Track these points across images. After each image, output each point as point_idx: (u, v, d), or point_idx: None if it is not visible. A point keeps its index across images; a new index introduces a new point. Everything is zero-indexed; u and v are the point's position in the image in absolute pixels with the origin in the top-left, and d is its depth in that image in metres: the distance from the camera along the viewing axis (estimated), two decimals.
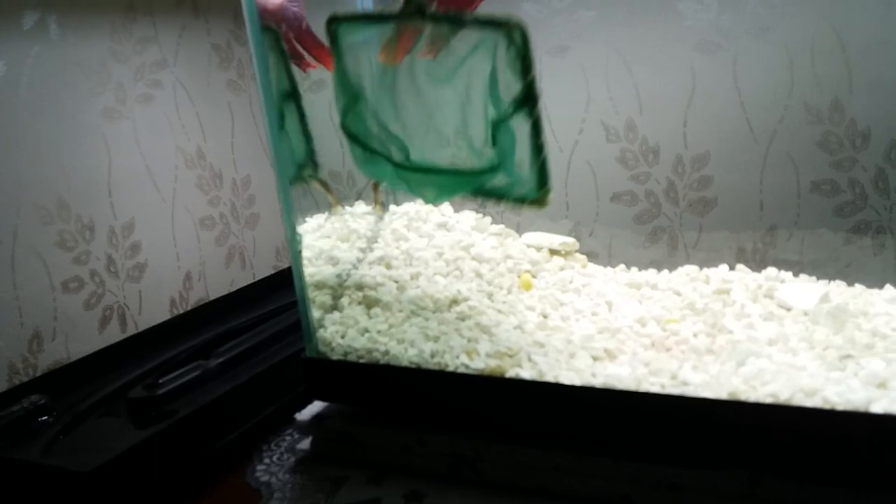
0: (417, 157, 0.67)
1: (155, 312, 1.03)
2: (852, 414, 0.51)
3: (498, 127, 0.60)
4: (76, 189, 0.92)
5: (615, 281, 0.75)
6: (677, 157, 0.97)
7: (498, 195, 0.64)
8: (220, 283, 1.14)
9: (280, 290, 1.07)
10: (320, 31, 0.72)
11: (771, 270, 0.72)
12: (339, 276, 0.73)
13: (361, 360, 0.67)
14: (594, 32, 0.97)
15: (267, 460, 0.72)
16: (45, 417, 0.74)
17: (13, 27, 0.85)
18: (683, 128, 0.95)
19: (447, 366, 0.64)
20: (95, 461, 0.63)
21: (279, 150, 0.69)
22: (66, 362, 0.89)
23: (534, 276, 0.75)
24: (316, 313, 0.70)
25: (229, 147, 1.16)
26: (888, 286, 0.68)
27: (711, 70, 0.92)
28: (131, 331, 0.99)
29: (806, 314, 0.63)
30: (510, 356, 0.63)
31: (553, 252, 0.79)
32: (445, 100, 0.64)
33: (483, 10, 0.64)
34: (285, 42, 0.71)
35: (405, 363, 0.65)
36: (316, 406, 0.72)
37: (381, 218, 0.82)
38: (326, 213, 0.83)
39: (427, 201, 0.75)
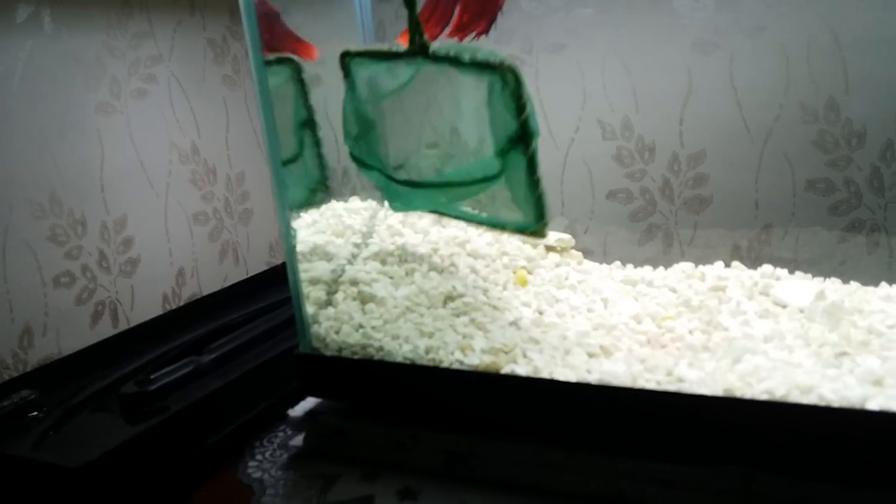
0: (426, 175, 0.70)
1: (147, 308, 1.02)
2: (848, 411, 0.51)
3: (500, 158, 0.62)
4: (69, 183, 0.91)
5: (611, 278, 0.75)
6: (673, 155, 0.97)
7: (499, 226, 0.67)
8: (214, 278, 1.13)
9: (273, 287, 1.07)
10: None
11: (766, 268, 0.72)
12: (333, 271, 0.73)
13: (355, 356, 0.67)
14: (591, 30, 0.97)
15: (259, 457, 0.72)
16: (36, 413, 0.73)
17: (6, 20, 0.85)
18: (679, 126, 0.95)
19: (442, 362, 0.63)
20: (85, 457, 0.62)
21: (274, 146, 0.68)
22: (56, 357, 0.88)
23: (529, 273, 0.74)
24: (310, 309, 0.70)
25: (224, 142, 1.15)
26: (883, 284, 0.68)
27: (708, 69, 0.92)
28: (123, 326, 0.98)
29: (802, 311, 0.63)
30: (505, 352, 0.62)
31: (549, 249, 0.79)
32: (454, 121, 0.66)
33: None
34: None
35: (399, 359, 0.65)
36: (309, 402, 0.72)
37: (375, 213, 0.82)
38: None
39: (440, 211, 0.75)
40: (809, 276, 0.71)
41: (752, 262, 0.89)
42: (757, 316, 0.64)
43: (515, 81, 0.59)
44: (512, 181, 0.62)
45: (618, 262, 0.80)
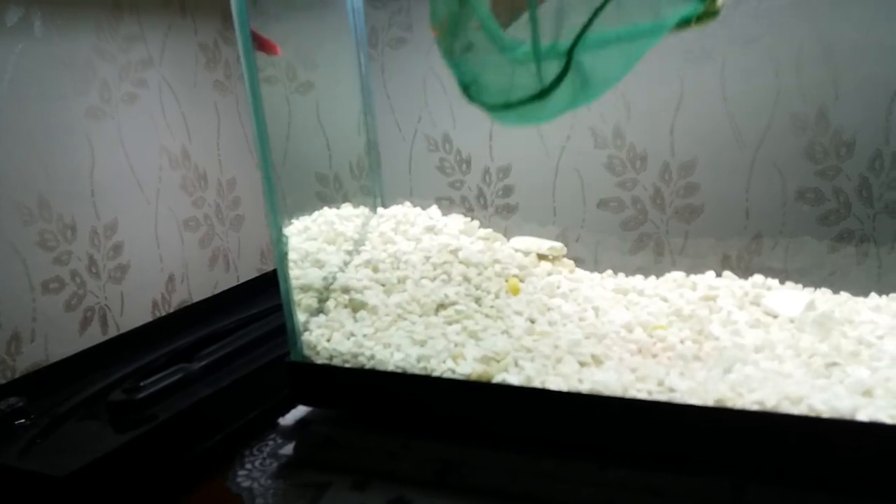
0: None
1: (137, 314, 1.02)
2: (837, 422, 0.51)
3: None
4: (58, 188, 0.91)
5: (602, 286, 0.75)
6: (664, 164, 0.97)
7: (656, 29, 0.57)
8: (204, 285, 1.13)
9: (264, 293, 1.06)
10: None
11: (757, 278, 0.72)
12: (325, 278, 0.72)
13: (346, 365, 0.67)
14: None
15: (249, 465, 0.71)
16: (23, 420, 0.72)
17: None
18: (671, 135, 0.96)
19: (433, 370, 0.63)
20: (71, 465, 0.62)
21: (265, 151, 0.68)
22: (44, 364, 0.87)
23: (521, 281, 0.74)
24: (301, 316, 0.70)
25: (215, 148, 1.15)
26: (873, 294, 0.68)
27: (699, 78, 0.92)
28: (112, 333, 0.97)
29: (792, 321, 0.64)
30: (497, 361, 0.62)
31: (541, 257, 0.79)
32: None
33: None
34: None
35: (391, 367, 0.65)
36: (300, 411, 0.71)
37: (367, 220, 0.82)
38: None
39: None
40: (800, 286, 0.71)
41: (743, 272, 0.89)
42: (748, 325, 0.64)
43: None
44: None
45: (609, 271, 0.80)
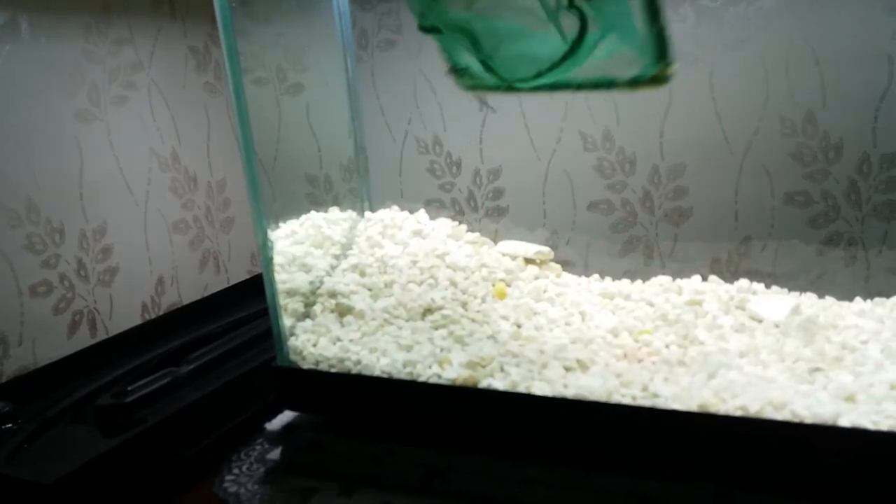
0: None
1: (126, 317, 1.01)
2: (820, 427, 0.52)
3: None
4: (46, 191, 0.90)
5: (589, 291, 0.75)
6: (654, 167, 0.97)
7: (606, 83, 0.58)
8: (194, 287, 1.13)
9: (255, 296, 1.05)
10: None
11: (743, 282, 0.73)
12: (311, 283, 0.72)
13: (333, 370, 0.67)
14: None
15: (236, 470, 0.71)
16: (10, 425, 0.72)
17: None
18: (660, 138, 0.96)
19: (420, 375, 0.63)
20: (59, 472, 0.61)
21: (250, 154, 0.68)
22: (32, 368, 0.87)
23: (508, 285, 0.74)
24: (287, 321, 0.70)
25: (204, 150, 1.15)
26: (858, 299, 0.68)
27: (688, 81, 0.92)
28: (101, 336, 0.97)
29: (777, 326, 0.64)
30: (483, 366, 0.62)
31: (528, 261, 0.79)
32: None
33: None
34: None
35: (377, 373, 0.65)
36: (286, 416, 0.71)
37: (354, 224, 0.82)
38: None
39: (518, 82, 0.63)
40: (786, 290, 0.71)
41: (732, 275, 0.89)
42: (733, 330, 0.64)
43: None
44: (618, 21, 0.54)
45: (596, 275, 0.80)
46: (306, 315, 0.71)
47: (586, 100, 0.99)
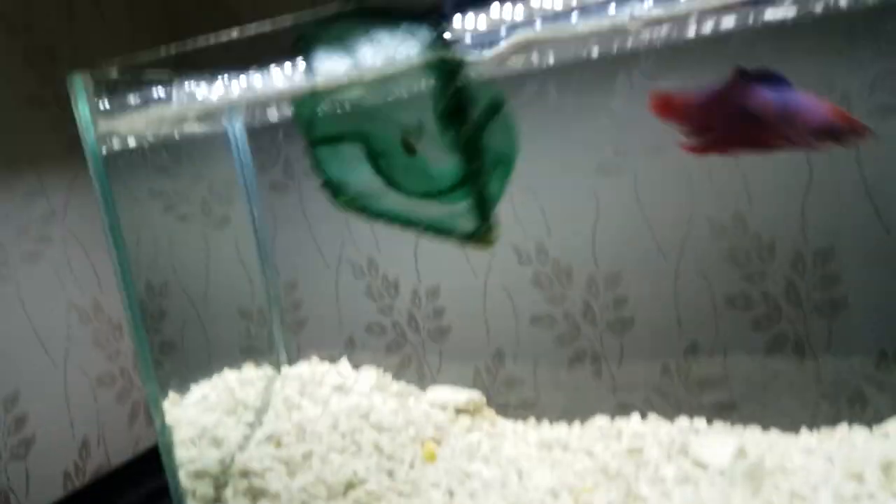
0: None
1: (46, 491, 0.94)
2: None
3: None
4: None
5: (526, 442, 0.70)
6: (590, 277, 0.94)
7: (443, 231, 0.60)
8: (124, 445, 1.05)
9: None
10: None
11: (683, 421, 0.68)
12: (221, 461, 0.66)
13: None
14: None
15: None
16: None
17: None
18: (592, 248, 0.94)
19: None
20: None
21: (137, 322, 0.63)
22: None
23: (438, 444, 0.69)
24: None
25: None
26: (804, 430, 0.64)
27: (613, 190, 0.91)
28: None
29: (722, 473, 0.59)
30: None
31: (460, 411, 0.74)
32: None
33: None
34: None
35: None
36: None
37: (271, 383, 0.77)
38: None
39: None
40: (729, 424, 0.67)
41: (682, 383, 0.86)
42: (676, 482, 0.59)
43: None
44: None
45: (533, 420, 0.75)
46: (217, 499, 0.64)
47: (515, 211, 0.97)
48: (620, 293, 0.93)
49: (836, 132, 0.54)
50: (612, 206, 0.91)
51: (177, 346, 1.09)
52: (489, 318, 1.02)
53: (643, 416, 0.71)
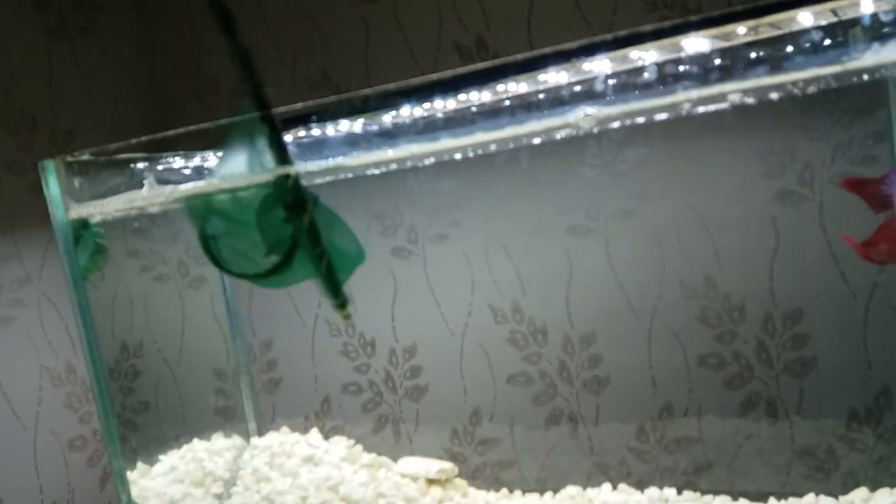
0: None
1: None
2: None
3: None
4: None
5: None
6: (565, 336, 0.95)
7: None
8: None
9: None
10: None
11: (653, 491, 0.68)
12: None
13: None
14: (470, 221, 0.97)
15: None
16: None
17: None
18: (567, 308, 0.94)
19: None
20: None
21: (103, 394, 0.63)
22: None
23: None
24: None
25: None
26: (772, 500, 0.64)
27: (585, 251, 0.92)
28: None
29: None
30: None
31: (431, 482, 0.74)
32: None
33: None
34: None
35: None
36: None
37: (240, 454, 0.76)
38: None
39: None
40: (698, 493, 0.67)
41: (658, 443, 0.86)
42: None
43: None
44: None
45: (505, 490, 0.75)
46: None
47: (491, 272, 0.98)
48: (595, 352, 0.93)
49: None
50: (585, 267, 0.93)
51: (150, 405, 1.08)
52: (466, 376, 1.02)
53: (614, 486, 0.71)
